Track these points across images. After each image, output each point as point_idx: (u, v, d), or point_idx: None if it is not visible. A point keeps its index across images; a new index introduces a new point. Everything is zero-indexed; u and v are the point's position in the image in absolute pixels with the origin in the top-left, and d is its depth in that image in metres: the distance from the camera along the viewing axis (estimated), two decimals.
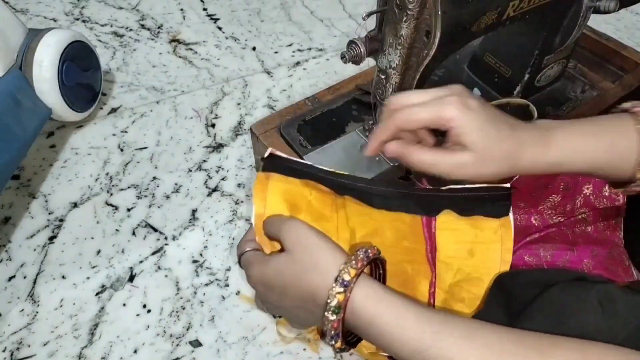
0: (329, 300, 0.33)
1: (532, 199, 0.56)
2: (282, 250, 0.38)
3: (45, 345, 0.51)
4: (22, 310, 0.53)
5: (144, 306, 0.54)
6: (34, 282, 0.55)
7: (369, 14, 0.43)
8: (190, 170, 0.68)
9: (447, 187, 0.46)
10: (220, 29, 0.93)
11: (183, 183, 0.66)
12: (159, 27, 0.92)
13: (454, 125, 0.36)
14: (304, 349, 0.51)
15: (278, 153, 0.44)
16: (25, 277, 0.56)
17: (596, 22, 0.69)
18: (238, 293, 0.55)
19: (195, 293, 0.55)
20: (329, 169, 0.45)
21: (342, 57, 0.47)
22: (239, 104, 0.78)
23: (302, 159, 0.55)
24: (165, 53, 0.87)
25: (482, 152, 0.36)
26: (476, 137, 0.36)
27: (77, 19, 0.93)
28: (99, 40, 0.88)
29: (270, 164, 0.44)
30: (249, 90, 0.80)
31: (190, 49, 0.88)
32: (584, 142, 0.37)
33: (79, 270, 0.57)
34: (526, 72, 0.62)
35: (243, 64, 0.85)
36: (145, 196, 0.64)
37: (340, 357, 0.50)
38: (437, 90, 0.38)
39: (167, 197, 0.64)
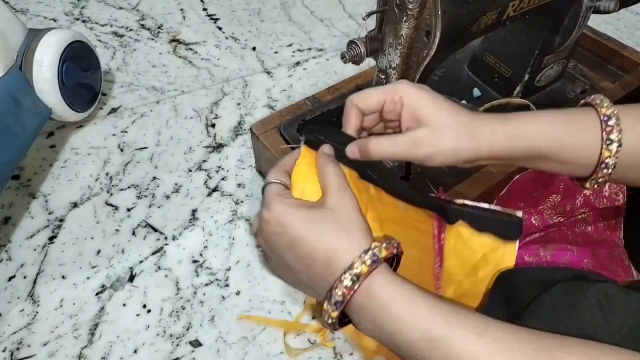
0: (353, 267, 0.32)
1: (532, 199, 0.56)
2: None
3: (45, 345, 0.51)
4: (22, 310, 0.53)
5: (144, 306, 0.54)
6: (34, 282, 0.55)
7: (369, 14, 0.43)
8: (190, 170, 0.68)
9: (462, 201, 0.44)
10: (220, 29, 0.93)
11: (183, 183, 0.66)
12: (159, 27, 0.92)
13: (406, 99, 0.36)
14: (304, 349, 0.51)
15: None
16: (25, 277, 0.56)
17: (596, 22, 0.69)
18: (238, 293, 0.55)
19: (195, 293, 0.55)
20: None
21: (342, 57, 0.47)
22: (239, 104, 0.78)
23: None
24: (165, 53, 0.87)
25: (438, 123, 0.36)
26: (430, 109, 0.36)
27: (77, 19, 0.93)
28: (99, 40, 0.88)
29: (310, 136, 0.41)
30: (249, 90, 0.80)
31: (190, 49, 0.88)
32: (542, 117, 0.37)
33: (79, 270, 0.57)
34: (526, 72, 0.62)
35: (243, 64, 0.85)
36: (145, 196, 0.64)
37: (340, 357, 0.50)
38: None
39: (167, 197, 0.64)
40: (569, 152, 0.37)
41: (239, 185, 0.66)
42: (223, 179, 0.67)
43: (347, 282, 0.32)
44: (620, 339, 0.35)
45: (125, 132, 0.73)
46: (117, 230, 0.61)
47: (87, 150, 0.70)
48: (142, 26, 0.92)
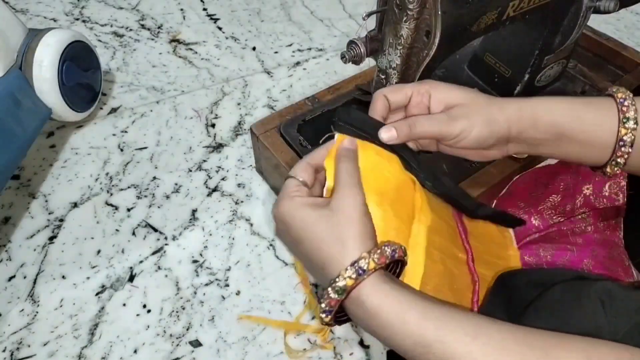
0: (337, 280, 0.32)
1: (532, 199, 0.56)
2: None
3: (45, 345, 0.51)
4: (22, 310, 0.53)
5: (144, 306, 0.54)
6: (34, 282, 0.55)
7: (369, 14, 0.43)
8: (190, 170, 0.68)
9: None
10: (220, 29, 0.93)
11: (183, 183, 0.66)
12: (159, 27, 0.92)
13: (434, 90, 0.39)
14: (304, 349, 0.51)
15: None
16: (25, 277, 0.56)
17: (596, 22, 0.69)
18: (238, 293, 0.55)
19: (195, 293, 0.55)
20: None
21: (342, 57, 0.46)
22: (239, 104, 0.78)
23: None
24: (165, 53, 0.87)
25: (469, 101, 0.38)
26: (459, 92, 0.39)
27: (77, 19, 0.93)
28: (99, 40, 0.88)
29: (345, 123, 0.40)
30: (249, 90, 0.80)
31: (190, 49, 0.88)
32: (562, 98, 0.40)
33: (79, 270, 0.57)
34: (526, 72, 0.62)
35: (243, 64, 0.85)
36: (145, 196, 0.64)
37: (340, 357, 0.50)
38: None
39: (167, 197, 0.64)
40: (588, 130, 0.39)
41: (239, 185, 0.66)
42: (223, 179, 0.67)
43: (332, 294, 0.32)
44: (622, 337, 0.35)
45: (125, 132, 0.73)
46: (117, 230, 0.61)
47: (87, 150, 0.70)
48: (142, 26, 0.92)
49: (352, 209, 0.35)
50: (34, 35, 0.62)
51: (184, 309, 0.54)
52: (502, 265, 0.48)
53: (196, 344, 0.51)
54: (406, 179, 0.40)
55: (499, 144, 0.40)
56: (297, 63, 0.86)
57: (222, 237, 0.60)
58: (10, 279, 0.56)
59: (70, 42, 0.65)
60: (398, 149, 0.40)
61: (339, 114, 0.40)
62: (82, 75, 0.69)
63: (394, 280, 0.34)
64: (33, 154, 0.68)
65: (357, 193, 0.36)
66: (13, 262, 0.57)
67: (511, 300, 0.47)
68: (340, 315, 0.35)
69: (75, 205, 0.63)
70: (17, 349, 0.50)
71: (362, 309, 0.32)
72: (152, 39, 0.89)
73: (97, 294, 0.55)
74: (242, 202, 0.64)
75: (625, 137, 0.37)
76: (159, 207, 0.63)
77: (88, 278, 0.56)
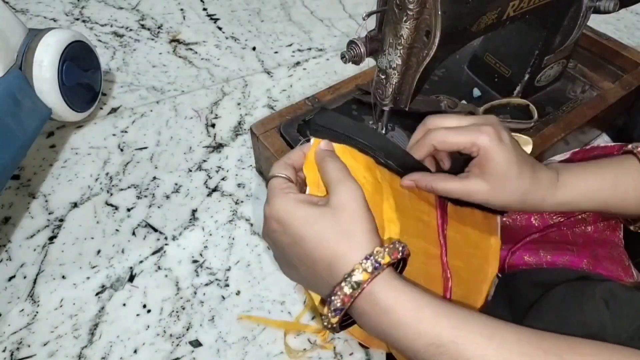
0: (352, 274, 0.31)
1: None
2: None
3: (45, 345, 0.51)
4: (22, 310, 0.53)
5: (144, 306, 0.54)
6: (34, 282, 0.55)
7: (369, 14, 0.43)
8: (190, 170, 0.68)
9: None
10: (220, 29, 0.93)
11: (183, 183, 0.66)
12: (159, 27, 0.92)
13: (486, 154, 0.38)
14: (304, 349, 0.51)
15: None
16: (25, 277, 0.56)
17: (596, 22, 0.69)
18: (238, 293, 0.55)
19: (195, 293, 0.55)
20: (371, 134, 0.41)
21: (342, 57, 0.46)
22: (239, 104, 0.78)
23: None
24: (165, 53, 0.87)
25: (499, 184, 0.38)
26: (500, 168, 0.38)
27: (77, 19, 0.93)
28: (99, 40, 0.88)
29: (320, 127, 0.40)
30: (249, 90, 0.80)
31: (190, 49, 0.88)
32: (588, 183, 0.40)
33: (79, 270, 0.57)
34: (526, 72, 0.62)
35: (243, 64, 0.85)
36: (145, 196, 0.64)
37: (340, 357, 0.50)
38: (474, 118, 0.41)
39: (167, 197, 0.64)
40: (614, 210, 0.41)
41: (239, 185, 0.66)
42: (223, 179, 0.67)
43: (346, 289, 0.31)
44: (626, 338, 0.35)
45: (125, 132, 0.73)
46: (117, 230, 0.61)
47: (87, 150, 0.70)
48: (142, 26, 0.92)
49: (355, 204, 0.34)
50: (34, 35, 0.62)
51: (184, 309, 0.54)
52: (479, 256, 0.48)
53: (196, 344, 0.51)
54: (379, 183, 0.39)
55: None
56: (297, 63, 0.86)
57: (222, 237, 0.60)
58: (10, 279, 0.56)
59: (70, 42, 0.65)
60: (379, 156, 0.40)
61: (314, 118, 0.40)
62: (82, 75, 0.69)
63: (403, 278, 0.33)
64: (33, 154, 0.68)
65: (355, 187, 0.35)
66: (13, 262, 0.57)
67: (514, 301, 0.47)
68: (344, 319, 0.34)
69: (75, 205, 0.63)
70: (17, 349, 0.50)
71: (375, 305, 0.31)
72: (152, 39, 0.89)
73: (97, 294, 0.55)
74: (242, 202, 0.64)
75: None
76: (159, 207, 0.63)
77: (88, 278, 0.56)
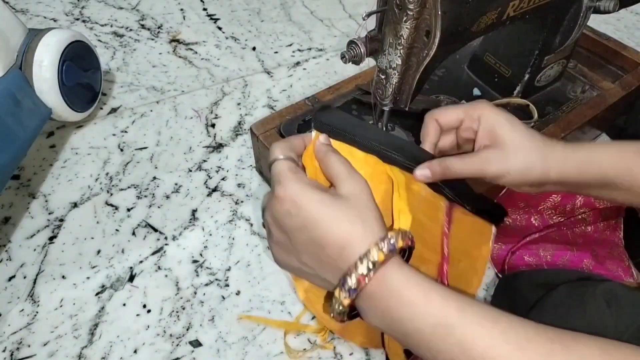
0: (368, 254, 0.31)
1: (532, 199, 0.56)
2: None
3: (45, 345, 0.51)
4: (22, 310, 0.53)
5: (144, 306, 0.54)
6: (34, 282, 0.55)
7: (369, 14, 0.43)
8: (190, 170, 0.68)
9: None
10: (220, 29, 0.93)
11: (183, 183, 0.66)
12: (159, 27, 0.92)
13: (485, 118, 0.39)
14: (304, 349, 0.51)
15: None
16: (25, 277, 0.56)
17: (596, 22, 0.69)
18: (238, 293, 0.55)
19: (195, 293, 0.55)
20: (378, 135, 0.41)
21: (342, 57, 0.46)
22: (239, 104, 0.78)
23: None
24: (165, 53, 0.87)
25: (511, 143, 0.38)
26: (506, 129, 0.38)
27: (77, 19, 0.93)
28: (99, 40, 0.88)
29: (323, 122, 0.40)
30: (249, 90, 0.80)
31: (190, 49, 0.88)
32: (612, 146, 0.39)
33: (79, 270, 0.57)
34: (526, 72, 0.62)
35: (243, 64, 0.85)
36: (145, 196, 0.64)
37: (340, 357, 0.50)
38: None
39: (167, 197, 0.64)
40: (638, 180, 0.38)
41: (239, 185, 0.66)
42: (223, 179, 0.67)
43: (362, 269, 0.31)
44: (628, 337, 0.35)
45: (125, 132, 0.73)
46: (117, 230, 0.61)
47: (87, 150, 0.70)
48: (142, 26, 0.92)
49: (365, 196, 0.34)
50: (34, 35, 0.62)
51: (184, 309, 0.54)
52: (466, 263, 0.47)
53: (196, 344, 0.51)
54: (382, 179, 0.40)
55: (535, 186, 0.40)
56: (297, 63, 0.86)
57: (222, 237, 0.60)
58: (10, 279, 0.56)
59: (70, 42, 0.65)
60: (388, 152, 0.40)
61: (319, 114, 0.40)
62: (82, 75, 0.69)
63: (411, 266, 0.33)
64: (33, 154, 0.68)
65: (363, 180, 0.35)
66: (13, 262, 0.57)
67: (515, 302, 0.47)
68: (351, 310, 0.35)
69: (75, 205, 0.63)
70: (17, 349, 0.50)
71: (386, 288, 0.31)
72: (152, 39, 0.89)
73: (97, 294, 0.55)
74: (242, 202, 0.64)
75: None
76: (159, 207, 0.63)
77: (88, 278, 0.56)
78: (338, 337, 0.52)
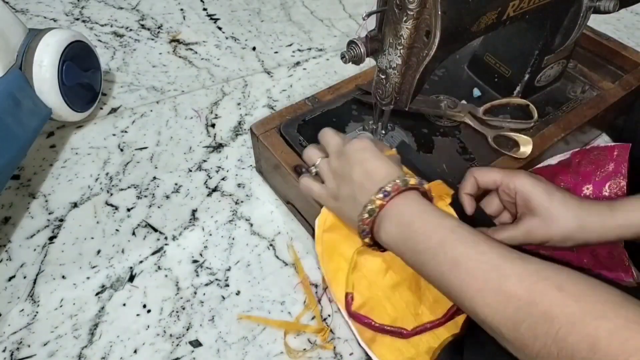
0: (405, 177, 0.40)
1: None
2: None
3: (45, 345, 0.51)
4: (22, 310, 0.53)
5: (144, 306, 0.54)
6: (34, 282, 0.55)
7: (369, 14, 0.43)
8: (190, 170, 0.68)
9: None
10: (220, 29, 0.93)
11: (183, 183, 0.66)
12: (159, 27, 0.92)
13: (520, 188, 0.42)
14: (304, 349, 0.51)
15: None
16: (25, 277, 0.56)
17: (596, 22, 0.69)
18: (238, 293, 0.55)
19: (195, 293, 0.55)
20: None
21: (342, 57, 0.46)
22: (239, 104, 0.78)
23: (303, 159, 0.55)
24: (165, 53, 0.87)
25: (549, 212, 0.41)
26: (541, 199, 0.41)
27: (77, 19, 0.93)
28: (99, 40, 0.88)
29: None
30: (249, 90, 0.80)
31: (190, 49, 0.88)
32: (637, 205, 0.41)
33: (79, 270, 0.57)
34: (526, 72, 0.62)
35: (243, 64, 0.85)
36: (145, 196, 0.64)
37: (340, 357, 0.50)
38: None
39: (167, 197, 0.64)
40: None
41: (239, 185, 0.66)
42: (223, 179, 0.67)
43: (399, 182, 0.39)
44: None
45: (125, 132, 0.73)
46: (117, 230, 0.61)
47: (87, 150, 0.70)
48: (142, 26, 0.92)
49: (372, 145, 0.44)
50: (34, 35, 0.62)
51: (184, 309, 0.54)
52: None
53: (196, 344, 0.51)
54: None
55: (580, 247, 0.44)
56: (297, 63, 0.86)
57: (222, 237, 0.60)
58: (10, 279, 0.56)
59: (70, 42, 0.65)
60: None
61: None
62: (82, 75, 0.69)
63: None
64: (33, 154, 0.68)
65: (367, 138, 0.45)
66: (13, 262, 0.57)
67: None
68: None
69: (75, 205, 0.63)
70: (17, 349, 0.50)
71: (415, 200, 0.39)
72: (152, 39, 0.89)
73: (97, 294, 0.55)
74: (242, 202, 0.64)
75: None
76: (159, 207, 0.63)
77: (88, 278, 0.56)
78: (338, 337, 0.52)
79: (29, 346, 0.51)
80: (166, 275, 0.56)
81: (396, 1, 0.41)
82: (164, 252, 0.59)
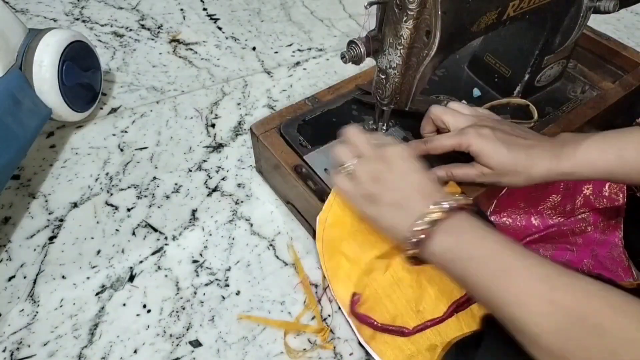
0: (456, 195, 0.41)
1: (532, 199, 0.56)
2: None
3: (45, 345, 0.51)
4: (22, 310, 0.53)
5: (144, 306, 0.54)
6: (34, 282, 0.55)
7: (371, 4, 0.43)
8: (190, 170, 0.68)
9: None
10: (220, 29, 0.93)
11: (183, 183, 0.66)
12: (159, 27, 0.92)
13: (472, 149, 0.46)
14: (304, 349, 0.51)
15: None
16: (25, 277, 0.56)
17: (596, 22, 0.69)
18: (238, 293, 0.55)
19: (195, 293, 0.55)
20: None
21: (342, 57, 0.46)
22: (239, 104, 0.78)
23: (302, 159, 0.55)
24: (165, 53, 0.87)
25: (498, 168, 0.45)
26: (490, 158, 0.45)
27: (77, 19, 0.93)
28: (99, 40, 0.88)
29: None
30: (249, 90, 0.80)
31: (190, 49, 0.88)
32: (592, 154, 0.43)
33: (79, 270, 0.57)
34: (526, 72, 0.62)
35: (243, 64, 0.85)
36: (145, 196, 0.64)
37: (340, 357, 0.50)
38: (470, 109, 0.51)
39: (167, 197, 0.64)
40: (621, 180, 0.44)
41: (239, 185, 0.66)
42: (223, 179, 0.67)
43: (452, 202, 0.39)
44: None
45: (125, 132, 0.73)
46: (117, 230, 0.61)
47: (87, 150, 0.70)
48: (142, 26, 0.92)
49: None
50: (34, 35, 0.62)
51: (184, 309, 0.54)
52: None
53: (196, 344, 0.51)
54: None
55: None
56: (297, 63, 0.86)
57: (222, 237, 0.60)
58: (10, 279, 0.56)
59: (70, 42, 0.65)
60: None
61: None
62: (82, 75, 0.69)
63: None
64: (33, 154, 0.68)
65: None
66: (13, 262, 0.57)
67: None
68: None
69: (75, 205, 0.63)
70: (17, 349, 0.50)
71: (468, 215, 0.40)
72: (152, 39, 0.89)
73: (97, 294, 0.55)
74: (242, 202, 0.64)
75: None
76: (159, 207, 0.63)
77: (88, 278, 0.56)
78: (338, 337, 0.52)
79: (29, 346, 0.51)
80: (166, 275, 0.56)
81: (396, 1, 0.41)
82: (164, 252, 0.59)
